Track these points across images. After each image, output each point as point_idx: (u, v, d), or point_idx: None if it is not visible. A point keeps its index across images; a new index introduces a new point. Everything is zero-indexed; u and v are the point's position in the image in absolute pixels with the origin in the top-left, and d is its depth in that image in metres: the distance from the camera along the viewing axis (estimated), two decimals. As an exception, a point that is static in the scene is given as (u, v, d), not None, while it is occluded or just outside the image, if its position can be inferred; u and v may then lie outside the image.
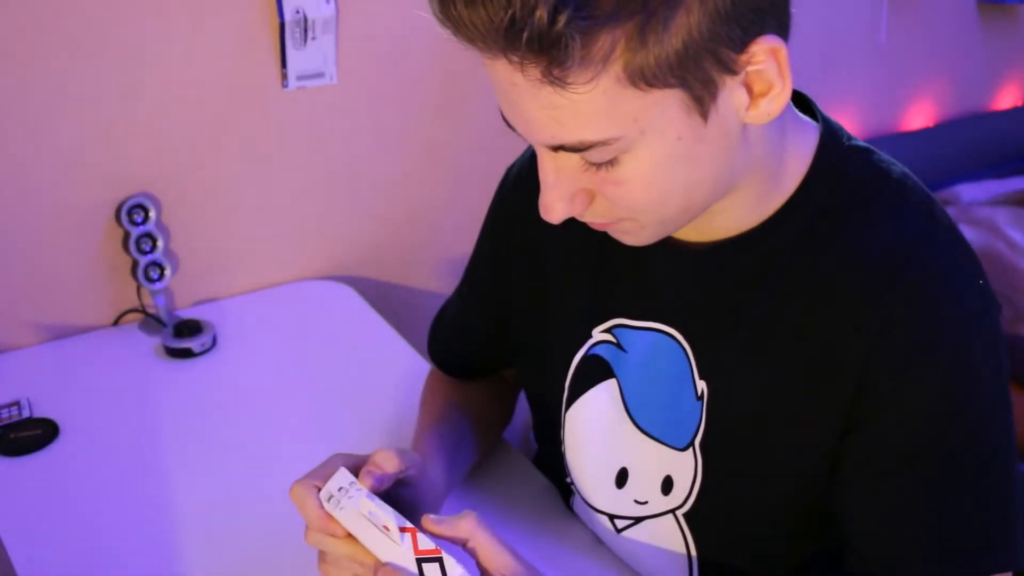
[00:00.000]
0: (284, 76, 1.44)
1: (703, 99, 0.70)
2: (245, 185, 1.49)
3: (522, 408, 1.28)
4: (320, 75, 1.47)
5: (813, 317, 0.81)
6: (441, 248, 1.71)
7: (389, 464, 0.83)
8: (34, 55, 1.28)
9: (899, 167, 0.85)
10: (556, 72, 0.66)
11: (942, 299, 0.79)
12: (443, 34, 0.69)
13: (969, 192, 2.23)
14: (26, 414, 1.24)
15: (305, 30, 1.42)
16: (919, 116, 2.26)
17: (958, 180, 2.28)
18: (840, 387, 0.81)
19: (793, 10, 0.74)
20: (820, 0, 1.96)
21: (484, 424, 1.12)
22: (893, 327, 0.78)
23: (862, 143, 0.86)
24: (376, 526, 0.76)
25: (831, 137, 0.85)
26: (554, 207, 0.75)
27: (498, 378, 1.16)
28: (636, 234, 0.81)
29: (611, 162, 0.72)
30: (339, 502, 0.79)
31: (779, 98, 0.72)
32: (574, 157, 0.72)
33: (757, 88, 0.72)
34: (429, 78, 1.56)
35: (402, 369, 1.34)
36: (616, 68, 0.66)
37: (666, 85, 0.68)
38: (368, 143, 1.57)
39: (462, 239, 1.72)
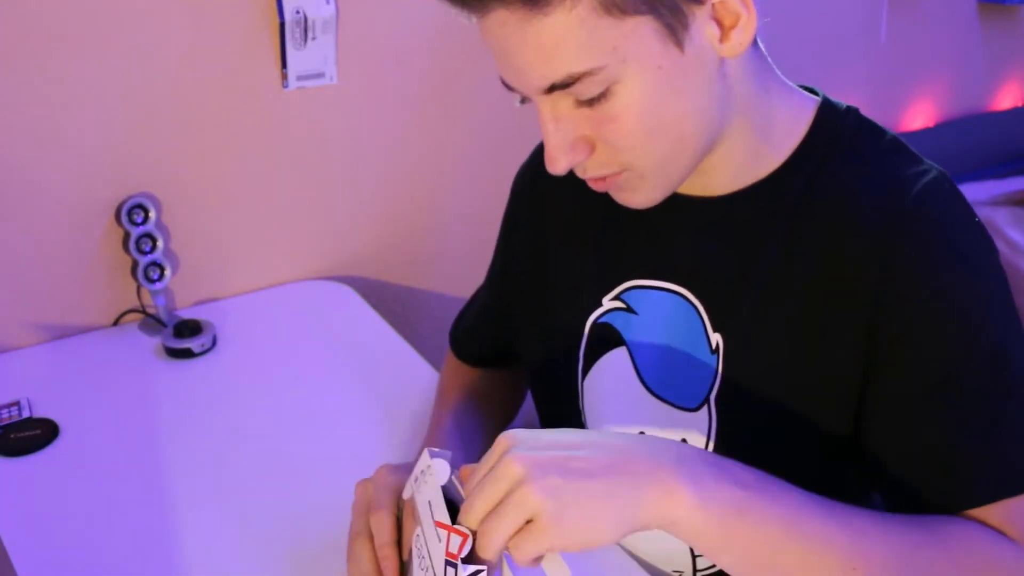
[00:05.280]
0: (284, 76, 1.44)
1: (675, 28, 0.75)
2: (245, 185, 1.49)
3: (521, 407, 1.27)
4: (320, 75, 1.47)
5: (821, 259, 0.84)
6: (441, 248, 1.71)
7: (383, 533, 0.83)
8: (34, 55, 1.28)
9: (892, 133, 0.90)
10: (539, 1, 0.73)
11: (944, 223, 0.83)
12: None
13: (969, 192, 2.21)
14: (26, 414, 1.24)
15: (305, 30, 1.42)
16: (919, 116, 2.26)
17: (958, 180, 2.26)
18: (854, 321, 0.82)
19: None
20: (820, 0, 1.96)
21: (499, 412, 1.14)
22: (899, 251, 0.81)
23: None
24: (432, 518, 0.78)
25: (829, 102, 0.90)
26: (557, 157, 0.79)
27: (511, 369, 1.18)
28: (638, 189, 0.83)
29: (602, 97, 0.76)
30: (419, 487, 0.81)
31: (747, 28, 0.78)
32: (567, 99, 0.77)
33: (727, 21, 0.78)
34: (429, 78, 1.56)
35: (402, 369, 1.33)
36: None
37: (638, 12, 0.74)
38: (368, 143, 1.57)
39: (462, 239, 1.72)
